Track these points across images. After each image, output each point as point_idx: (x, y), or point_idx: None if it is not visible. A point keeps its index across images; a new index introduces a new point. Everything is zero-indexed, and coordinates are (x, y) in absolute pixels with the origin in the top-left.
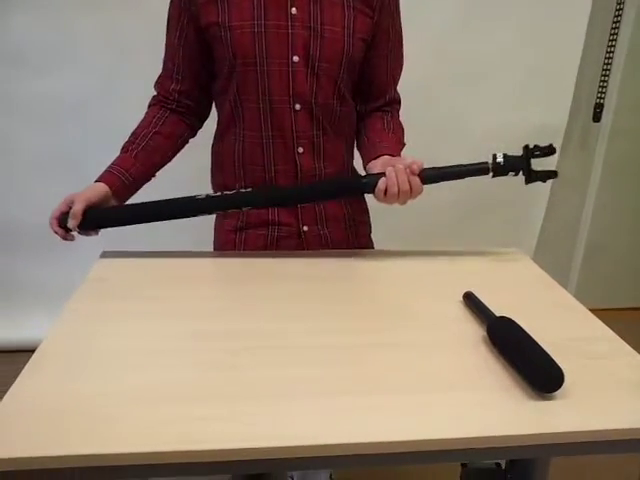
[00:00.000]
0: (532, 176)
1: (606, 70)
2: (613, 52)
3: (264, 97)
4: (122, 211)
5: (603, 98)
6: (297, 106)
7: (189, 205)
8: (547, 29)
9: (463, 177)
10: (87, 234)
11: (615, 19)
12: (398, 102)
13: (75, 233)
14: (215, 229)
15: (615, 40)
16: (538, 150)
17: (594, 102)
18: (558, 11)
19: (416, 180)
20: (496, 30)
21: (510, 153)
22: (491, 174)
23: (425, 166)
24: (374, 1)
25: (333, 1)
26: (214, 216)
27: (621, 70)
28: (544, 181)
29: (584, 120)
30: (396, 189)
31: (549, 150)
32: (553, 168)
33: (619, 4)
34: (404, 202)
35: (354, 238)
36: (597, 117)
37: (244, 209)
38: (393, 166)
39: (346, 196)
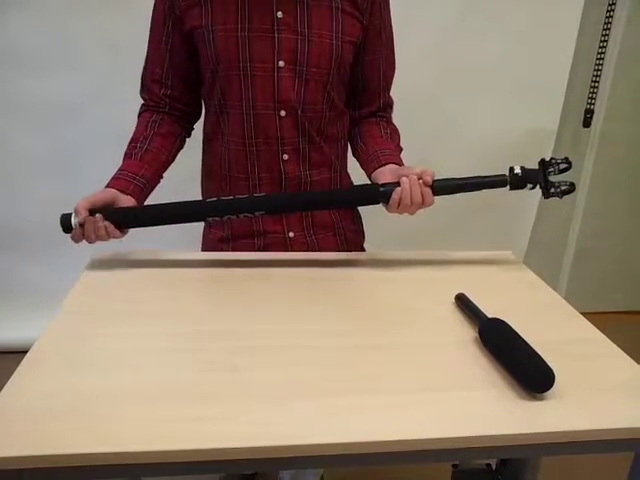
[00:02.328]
0: (550, 190)
1: (596, 76)
2: (603, 59)
3: (248, 103)
4: (132, 212)
5: (593, 104)
6: (282, 112)
7: (204, 208)
8: (538, 36)
9: (479, 189)
10: (110, 236)
11: (605, 26)
12: (391, 106)
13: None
14: (203, 237)
15: (605, 47)
16: (553, 165)
17: (584, 108)
18: (549, 18)
19: (428, 191)
20: (488, 37)
21: (511, 162)
22: (508, 187)
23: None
24: (363, 4)
25: (321, 4)
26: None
27: (611, 76)
28: (561, 197)
29: (574, 125)
30: (409, 200)
31: (565, 165)
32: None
33: (609, 11)
34: (414, 212)
35: (344, 246)
36: (587, 123)
37: (257, 214)
38: (406, 176)
39: (361, 204)
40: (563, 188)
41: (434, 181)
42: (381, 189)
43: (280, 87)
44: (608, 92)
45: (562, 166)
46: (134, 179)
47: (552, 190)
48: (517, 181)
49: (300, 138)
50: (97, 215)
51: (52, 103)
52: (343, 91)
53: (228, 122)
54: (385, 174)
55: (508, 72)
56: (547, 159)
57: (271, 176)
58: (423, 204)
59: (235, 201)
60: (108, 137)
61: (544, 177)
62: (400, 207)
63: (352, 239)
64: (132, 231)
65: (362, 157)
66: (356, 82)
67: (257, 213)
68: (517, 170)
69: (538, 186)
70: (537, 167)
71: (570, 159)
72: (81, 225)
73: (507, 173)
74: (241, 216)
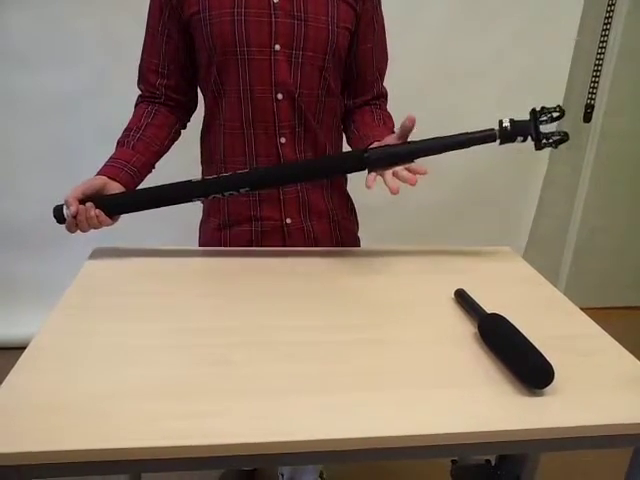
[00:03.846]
0: (542, 141)
1: (596, 72)
2: (603, 54)
3: (245, 87)
4: (122, 197)
5: (593, 99)
6: (279, 95)
7: (189, 189)
8: (539, 31)
9: (468, 146)
10: (102, 223)
11: (606, 21)
12: (385, 96)
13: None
14: (200, 227)
15: (605, 42)
16: (545, 114)
17: (584, 103)
18: (550, 14)
19: (414, 167)
20: (489, 32)
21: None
22: (498, 141)
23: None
24: None
25: None
26: (200, 214)
27: (611, 72)
28: (556, 147)
29: (575, 121)
30: (398, 183)
31: (557, 114)
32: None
33: (610, 6)
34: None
35: (338, 233)
36: (587, 118)
37: (241, 190)
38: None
39: (346, 171)
40: (556, 138)
41: (418, 142)
42: (365, 154)
43: (277, 70)
44: (608, 87)
45: (555, 115)
46: (125, 167)
47: (544, 141)
48: (507, 135)
49: (297, 121)
50: (87, 204)
51: (51, 99)
52: (339, 78)
53: (225, 107)
54: None
55: (508, 68)
56: (538, 109)
57: (269, 160)
58: (417, 174)
59: (220, 179)
60: (108, 133)
61: (535, 128)
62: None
63: (345, 226)
64: (131, 225)
65: (354, 143)
66: (350, 71)
67: (242, 190)
68: (506, 124)
69: (530, 138)
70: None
71: (563, 107)
72: (74, 216)
73: (497, 127)
74: (227, 194)
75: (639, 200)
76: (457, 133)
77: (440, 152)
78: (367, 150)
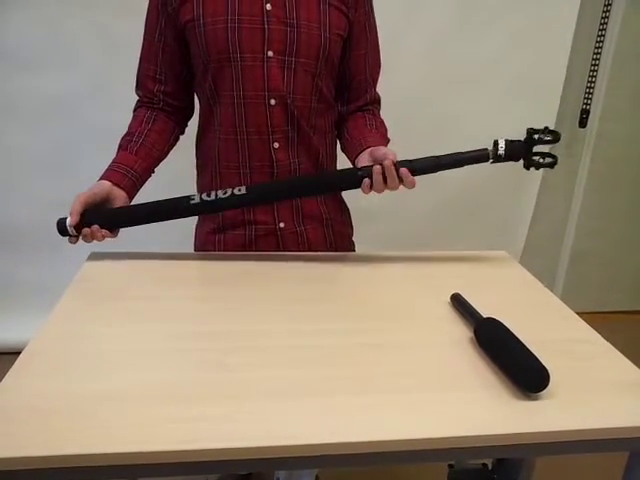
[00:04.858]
0: (532, 163)
1: (592, 77)
2: (599, 59)
3: (238, 92)
4: (122, 212)
5: (589, 104)
6: (272, 101)
7: (186, 207)
8: (535, 36)
9: (460, 165)
10: (102, 235)
11: (601, 26)
12: (378, 102)
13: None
14: (195, 230)
15: (601, 47)
16: (542, 142)
17: (580, 108)
18: (545, 19)
19: (405, 173)
20: (486, 37)
21: (507, 163)
22: (491, 161)
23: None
24: None
25: None
26: (195, 217)
27: (607, 76)
28: (547, 166)
29: (570, 125)
30: (382, 187)
31: (554, 138)
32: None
33: (605, 12)
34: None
35: (332, 238)
36: (583, 123)
37: (240, 208)
38: (381, 163)
39: (341, 189)
40: (546, 162)
41: (412, 161)
42: (359, 172)
43: (269, 76)
44: (604, 92)
45: (550, 140)
46: (128, 172)
47: (533, 164)
48: (500, 158)
49: (290, 127)
50: (94, 227)
51: (49, 101)
52: (332, 84)
53: (220, 112)
54: (364, 158)
55: (504, 73)
56: (535, 136)
57: (262, 165)
58: (403, 185)
59: (218, 200)
60: (106, 135)
61: (529, 152)
62: (375, 190)
63: (340, 231)
64: (128, 228)
65: (348, 149)
66: (343, 78)
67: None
68: (501, 151)
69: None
70: (524, 138)
71: (559, 133)
72: (74, 227)
73: (490, 147)
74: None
75: (635, 204)
76: (450, 153)
77: (433, 172)
78: (361, 169)
